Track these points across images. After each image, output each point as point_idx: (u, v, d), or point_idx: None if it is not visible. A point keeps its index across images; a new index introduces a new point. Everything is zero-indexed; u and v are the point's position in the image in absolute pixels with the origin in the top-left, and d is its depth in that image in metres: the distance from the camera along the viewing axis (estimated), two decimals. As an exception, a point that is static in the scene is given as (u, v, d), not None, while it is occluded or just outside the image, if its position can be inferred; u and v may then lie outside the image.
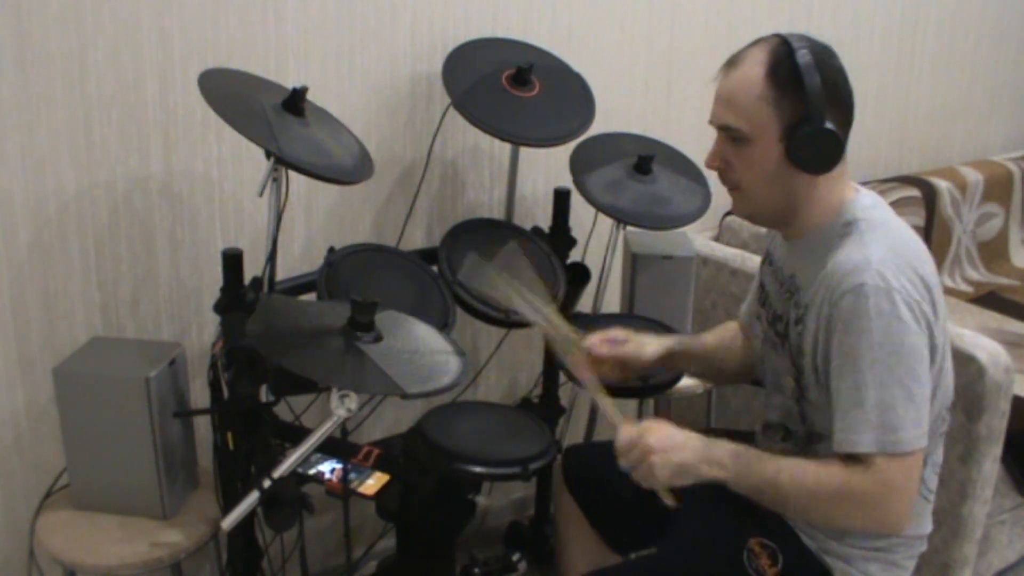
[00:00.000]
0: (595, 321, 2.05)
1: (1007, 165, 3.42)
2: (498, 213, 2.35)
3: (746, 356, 1.76)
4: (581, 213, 2.21)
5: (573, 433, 2.44)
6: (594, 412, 2.39)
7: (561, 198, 2.19)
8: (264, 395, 1.68)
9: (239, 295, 1.71)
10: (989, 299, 3.14)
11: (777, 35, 1.44)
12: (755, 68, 1.41)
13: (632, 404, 2.62)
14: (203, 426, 1.93)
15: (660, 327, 2.02)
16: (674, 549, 1.58)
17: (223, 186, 1.99)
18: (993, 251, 3.39)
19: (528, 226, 2.19)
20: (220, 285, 1.74)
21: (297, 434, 1.71)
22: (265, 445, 1.64)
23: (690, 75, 2.61)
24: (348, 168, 1.73)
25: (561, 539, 1.90)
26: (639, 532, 1.74)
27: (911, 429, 1.35)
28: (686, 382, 2.04)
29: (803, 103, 1.38)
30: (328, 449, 1.69)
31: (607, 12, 2.41)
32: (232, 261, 1.72)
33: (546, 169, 2.40)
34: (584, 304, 2.19)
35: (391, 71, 2.12)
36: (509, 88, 2.02)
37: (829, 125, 1.39)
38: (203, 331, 2.03)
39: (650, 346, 1.73)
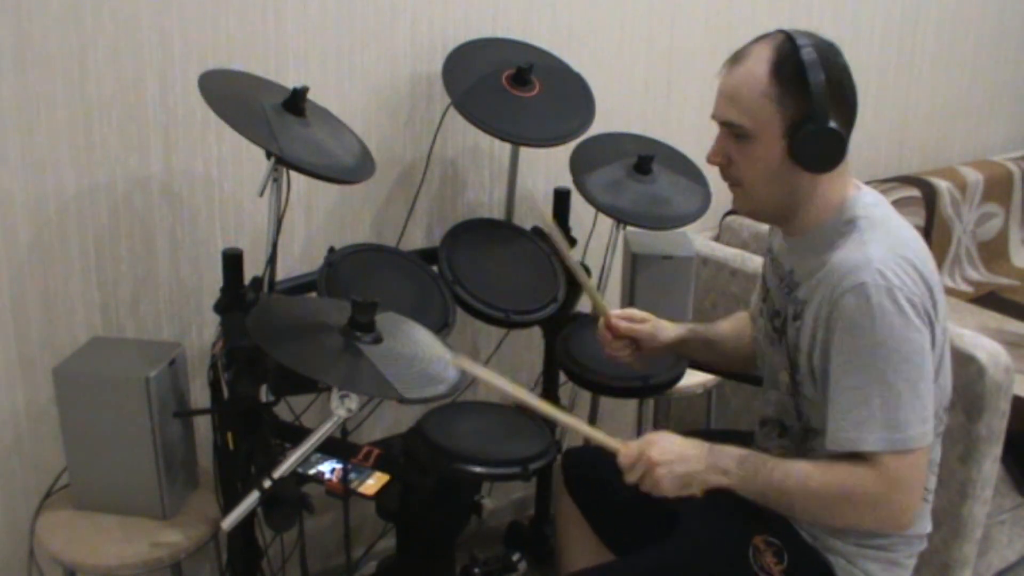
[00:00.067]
0: (595, 321, 2.05)
1: (1007, 165, 3.42)
2: (498, 213, 2.35)
3: (755, 345, 1.76)
4: (581, 213, 2.21)
5: (573, 433, 2.44)
6: (594, 413, 2.39)
7: (561, 198, 2.19)
8: (264, 395, 1.68)
9: (239, 295, 1.71)
10: (989, 299, 3.14)
11: (782, 31, 1.43)
12: (759, 64, 1.41)
13: (632, 404, 2.62)
14: (203, 426, 1.93)
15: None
16: (677, 548, 1.58)
17: (223, 186, 1.99)
18: (993, 251, 3.39)
19: (528, 226, 2.19)
20: (220, 285, 1.74)
21: (297, 434, 1.71)
22: (265, 445, 1.64)
23: (690, 75, 2.61)
24: (349, 168, 1.73)
25: (561, 541, 1.90)
26: (639, 534, 1.73)
27: (917, 426, 1.35)
28: (686, 382, 2.04)
29: (807, 101, 1.38)
30: (328, 449, 1.69)
31: (607, 12, 2.41)
32: (232, 261, 1.72)
33: (546, 169, 2.40)
34: (584, 304, 2.19)
35: (391, 71, 2.12)
36: (509, 88, 2.01)
37: (832, 123, 1.39)
38: (203, 331, 2.03)
39: (667, 331, 1.76)
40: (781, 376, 1.56)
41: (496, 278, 1.99)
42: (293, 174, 1.69)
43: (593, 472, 1.79)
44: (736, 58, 1.45)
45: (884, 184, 3.04)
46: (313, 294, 1.84)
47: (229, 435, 1.68)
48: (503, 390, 1.45)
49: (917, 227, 3.04)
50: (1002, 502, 2.28)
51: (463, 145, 2.28)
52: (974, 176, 3.27)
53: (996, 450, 2.01)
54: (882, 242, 1.40)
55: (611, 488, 1.61)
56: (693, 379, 2.18)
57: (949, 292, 3.04)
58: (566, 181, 2.10)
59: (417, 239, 2.24)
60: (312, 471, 1.71)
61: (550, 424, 1.71)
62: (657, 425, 2.57)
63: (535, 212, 2.38)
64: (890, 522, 1.41)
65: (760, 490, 1.42)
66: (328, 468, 1.72)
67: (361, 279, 1.83)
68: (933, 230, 3.13)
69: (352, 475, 1.70)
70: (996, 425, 1.97)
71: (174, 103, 1.88)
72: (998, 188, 3.35)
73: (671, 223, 2.09)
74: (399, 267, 1.92)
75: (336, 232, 2.14)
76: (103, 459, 1.72)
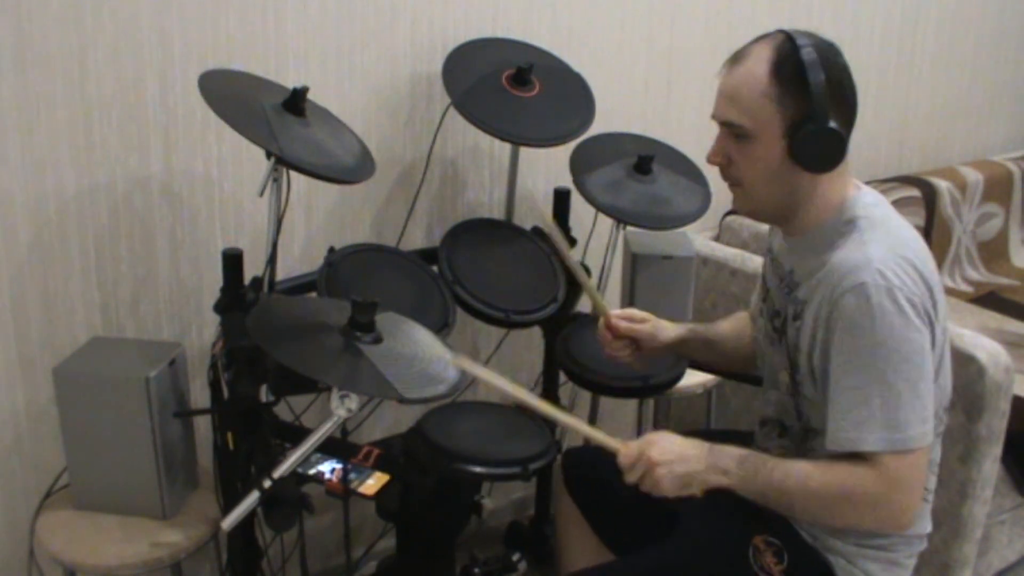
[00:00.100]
0: (595, 321, 2.05)
1: (1007, 165, 3.42)
2: (498, 213, 2.35)
3: (755, 345, 1.76)
4: (581, 213, 2.21)
5: (573, 433, 2.44)
6: (594, 413, 2.39)
7: (561, 198, 2.19)
8: (264, 395, 1.68)
9: (239, 295, 1.71)
10: (989, 299, 3.14)
11: (782, 31, 1.43)
12: (759, 64, 1.40)
13: (632, 404, 2.62)
14: (203, 426, 1.93)
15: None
16: (677, 548, 1.58)
17: (223, 186, 1.99)
18: (993, 251, 3.39)
19: (528, 226, 2.19)
20: (220, 285, 1.74)
21: (297, 434, 1.71)
22: (265, 445, 1.64)
23: (690, 75, 2.61)
24: (349, 168, 1.73)
25: (561, 541, 1.90)
26: (639, 534, 1.73)
27: (918, 426, 1.35)
28: (686, 382, 2.04)
29: (807, 101, 1.38)
30: (328, 449, 1.69)
31: (607, 12, 2.41)
32: (232, 261, 1.72)
33: (546, 169, 2.40)
34: (584, 304, 2.19)
35: (391, 71, 2.12)
36: (509, 88, 2.01)
37: (832, 123, 1.39)
38: (203, 331, 2.03)
39: (667, 331, 1.76)
40: (781, 376, 1.56)
41: (496, 278, 2.00)
42: (293, 174, 1.69)
43: (593, 472, 1.79)
44: (736, 58, 1.45)
45: (884, 184, 3.04)
46: (313, 294, 1.84)
47: (229, 435, 1.68)
48: (503, 390, 1.45)
49: (917, 227, 3.04)
50: (1002, 502, 2.28)
51: (463, 145, 2.28)
52: (974, 176, 3.27)
53: (996, 450, 2.01)
54: (882, 242, 1.40)
55: (611, 488, 1.61)
56: (693, 379, 2.18)
57: (949, 292, 3.04)
58: (566, 181, 2.10)
59: (417, 239, 2.24)
60: (312, 471, 1.71)
61: (550, 424, 1.71)
62: (657, 425, 2.57)
63: (535, 212, 2.38)
64: (890, 522, 1.41)
65: (760, 490, 1.42)
66: (328, 468, 1.72)
67: (361, 279, 1.83)
68: (933, 230, 3.13)
69: (352, 475, 1.70)
70: (996, 425, 1.97)
71: (174, 103, 1.88)
72: (998, 188, 3.35)
73: (671, 223, 2.09)
74: (399, 267, 1.92)
75: (336, 232, 2.14)
76: (103, 459, 1.72)
